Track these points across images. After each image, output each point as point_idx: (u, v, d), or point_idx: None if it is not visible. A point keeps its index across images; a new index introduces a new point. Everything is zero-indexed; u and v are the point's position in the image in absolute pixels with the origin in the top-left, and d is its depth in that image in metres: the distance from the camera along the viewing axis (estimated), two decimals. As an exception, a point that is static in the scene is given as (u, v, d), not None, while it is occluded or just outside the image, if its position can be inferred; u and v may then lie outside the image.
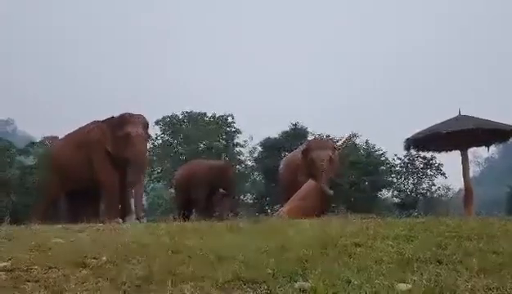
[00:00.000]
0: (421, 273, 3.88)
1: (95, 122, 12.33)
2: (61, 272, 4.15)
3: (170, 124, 30.27)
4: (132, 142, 11.43)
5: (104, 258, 4.53)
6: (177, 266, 4.19)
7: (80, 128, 12.69)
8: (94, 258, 4.55)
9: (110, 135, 11.64)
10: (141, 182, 12.41)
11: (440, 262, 4.26)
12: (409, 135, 15.04)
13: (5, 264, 4.36)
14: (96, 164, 11.67)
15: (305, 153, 14.38)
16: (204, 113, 30.62)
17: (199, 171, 16.18)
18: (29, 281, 3.92)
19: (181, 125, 29.20)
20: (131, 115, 11.95)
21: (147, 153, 12.36)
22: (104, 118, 12.18)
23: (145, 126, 12.20)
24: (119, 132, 11.56)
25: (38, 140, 33.37)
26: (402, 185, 31.03)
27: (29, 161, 30.79)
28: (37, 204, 13.48)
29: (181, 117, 30.24)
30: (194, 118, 30.17)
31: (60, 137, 30.06)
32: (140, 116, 12.12)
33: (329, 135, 30.02)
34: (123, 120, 11.79)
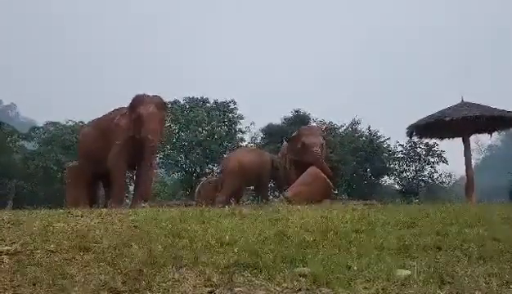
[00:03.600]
0: (421, 260, 3.91)
1: (119, 109, 12.32)
2: (64, 256, 4.19)
3: (172, 110, 30.21)
4: (143, 122, 11.38)
5: (106, 243, 4.57)
6: (178, 251, 4.23)
7: (106, 115, 12.68)
8: (96, 243, 4.59)
9: (130, 119, 11.61)
10: (152, 163, 12.26)
11: (440, 249, 4.29)
12: (412, 122, 15.00)
13: (8, 248, 4.40)
14: (111, 150, 11.70)
15: (297, 139, 14.56)
16: (206, 99, 30.52)
17: (269, 161, 16.41)
18: (31, 265, 3.96)
19: (182, 111, 29.09)
20: (144, 95, 11.88)
21: (160, 133, 12.09)
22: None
23: (160, 105, 12.06)
24: (133, 114, 11.55)
25: (40, 126, 33.43)
26: (404, 172, 31.03)
27: (32, 146, 30.91)
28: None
29: (182, 102, 30.12)
30: (196, 104, 30.07)
31: (61, 122, 30.11)
32: (154, 96, 12.06)
33: (331, 122, 30.04)
34: (137, 101, 11.76)
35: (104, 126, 12.27)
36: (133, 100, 11.87)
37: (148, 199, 11.57)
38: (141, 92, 12.13)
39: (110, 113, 12.44)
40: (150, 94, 12.12)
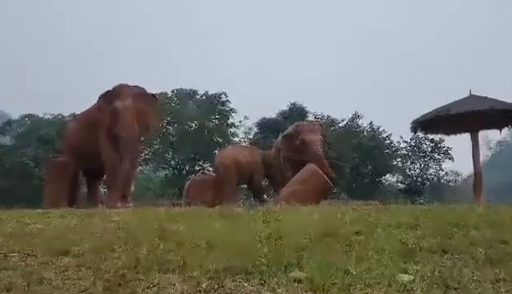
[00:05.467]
0: (425, 264, 3.92)
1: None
2: (41, 260, 4.18)
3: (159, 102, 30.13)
4: (118, 116, 11.26)
5: (86, 245, 4.56)
6: (164, 254, 4.22)
7: (91, 107, 12.61)
8: (76, 245, 4.57)
9: (106, 111, 11.50)
10: (126, 161, 12.13)
11: (445, 252, 4.30)
12: (416, 117, 15.03)
13: (-20, 251, 4.38)
14: (100, 144, 11.61)
15: (294, 136, 14.68)
16: (196, 91, 30.46)
17: (261, 159, 16.44)
18: (6, 269, 3.94)
19: (170, 104, 29.03)
20: (121, 87, 11.72)
21: (139, 128, 11.81)
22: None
23: (139, 97, 11.80)
24: (109, 107, 11.45)
25: (15, 119, 33.25)
26: (408, 170, 31.19)
27: (6, 140, 30.74)
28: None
29: (170, 95, 30.05)
30: (184, 97, 30.00)
31: (39, 115, 29.99)
32: (134, 87, 11.92)
33: (329, 116, 30.09)
34: (114, 93, 11.63)
35: (88, 120, 12.20)
36: (111, 91, 11.76)
37: (128, 199, 11.46)
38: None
39: (92, 107, 12.37)
40: (132, 85, 12.03)
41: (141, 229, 5.33)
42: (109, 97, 11.62)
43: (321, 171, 12.23)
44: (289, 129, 15.77)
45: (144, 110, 11.74)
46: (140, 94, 11.90)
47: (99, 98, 11.91)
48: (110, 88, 11.81)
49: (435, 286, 3.42)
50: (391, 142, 30.95)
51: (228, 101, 30.03)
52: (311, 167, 12.42)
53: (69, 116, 27.93)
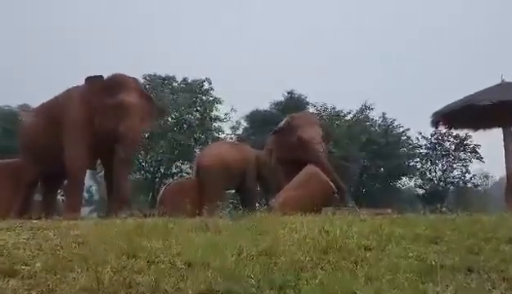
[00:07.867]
0: (447, 285, 3.94)
1: (70, 90, 12.12)
2: (-17, 283, 4.14)
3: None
4: (125, 113, 11.30)
5: (38, 264, 4.53)
6: (133, 275, 4.21)
7: (55, 98, 12.49)
8: (26, 265, 4.54)
9: (97, 103, 11.41)
10: (128, 165, 12.24)
11: (471, 270, 4.34)
12: (438, 108, 15.07)
13: None
14: (64, 140, 11.53)
15: (289, 131, 14.68)
16: (173, 77, 30.32)
17: (253, 158, 16.37)
18: None
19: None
20: (124, 77, 11.85)
21: (141, 129, 12.11)
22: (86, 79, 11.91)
23: (141, 92, 12.18)
24: (109, 99, 11.33)
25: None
26: (428, 172, 31.27)
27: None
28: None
29: (142, 81, 29.90)
30: (159, 84, 29.84)
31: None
32: (134, 79, 12.18)
33: (333, 107, 30.11)
34: (116, 83, 11.62)
35: (52, 114, 12.07)
36: (112, 79, 11.70)
37: (126, 203, 11.46)
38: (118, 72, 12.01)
39: (60, 97, 12.27)
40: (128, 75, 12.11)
41: (106, 244, 5.30)
42: (109, 87, 11.51)
43: (322, 174, 12.28)
44: (282, 123, 15.74)
45: (146, 109, 11.91)
46: (141, 89, 12.12)
47: (89, 83, 11.74)
48: (106, 76, 11.76)
49: (459, 311, 3.45)
50: (408, 138, 31.02)
51: (211, 89, 29.88)
52: (310, 168, 12.46)
53: (17, 107, 27.75)
